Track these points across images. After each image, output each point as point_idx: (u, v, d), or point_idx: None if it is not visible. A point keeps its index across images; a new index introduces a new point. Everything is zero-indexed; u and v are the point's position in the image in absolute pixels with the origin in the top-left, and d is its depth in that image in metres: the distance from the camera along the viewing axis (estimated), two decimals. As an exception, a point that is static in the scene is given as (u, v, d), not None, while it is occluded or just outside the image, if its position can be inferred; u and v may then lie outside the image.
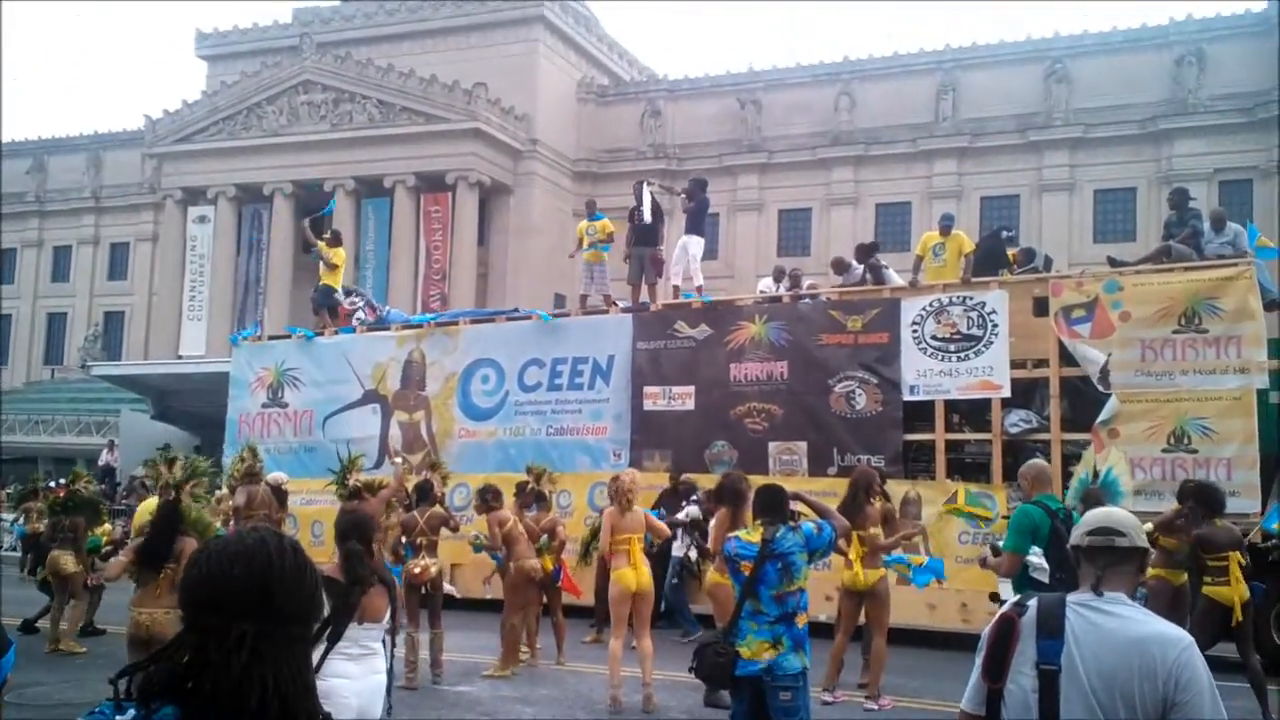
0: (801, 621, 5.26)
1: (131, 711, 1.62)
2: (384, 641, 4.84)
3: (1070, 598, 2.71)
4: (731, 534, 5.62)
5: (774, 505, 5.48)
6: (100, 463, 27.59)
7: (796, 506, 5.73)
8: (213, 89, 44.28)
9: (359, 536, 4.96)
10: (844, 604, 9.03)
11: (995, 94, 36.87)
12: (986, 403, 12.53)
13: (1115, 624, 2.60)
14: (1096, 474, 10.55)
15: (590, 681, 9.57)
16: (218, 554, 1.73)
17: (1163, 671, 2.49)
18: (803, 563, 5.27)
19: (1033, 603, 2.74)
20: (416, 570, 9.24)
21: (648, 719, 8.24)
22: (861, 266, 15.06)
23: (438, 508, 10.10)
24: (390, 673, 4.80)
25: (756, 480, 12.81)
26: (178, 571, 6.27)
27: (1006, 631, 2.71)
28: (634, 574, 8.50)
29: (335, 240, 17.79)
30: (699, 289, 15.40)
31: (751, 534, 5.37)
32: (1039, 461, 7.36)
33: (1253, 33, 34.28)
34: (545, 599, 10.91)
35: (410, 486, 10.55)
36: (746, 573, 5.22)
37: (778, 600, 5.16)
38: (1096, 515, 2.87)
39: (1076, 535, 2.85)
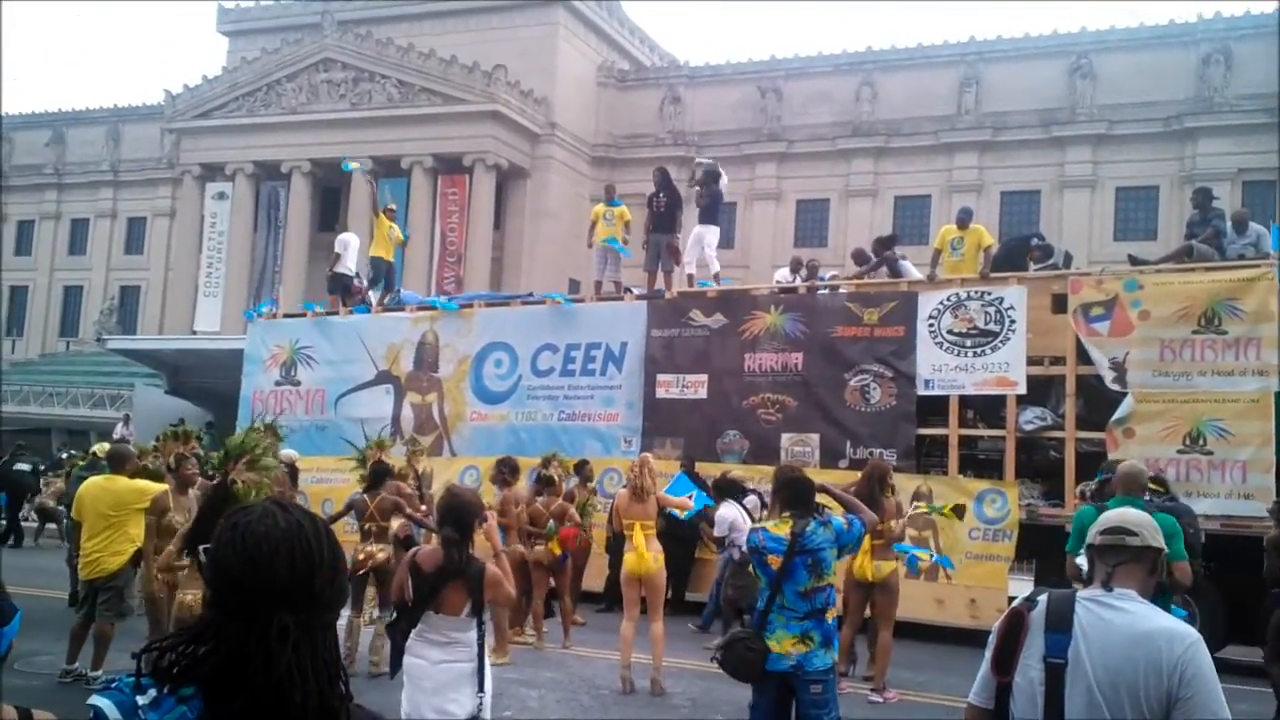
0: (831, 616, 5.17)
1: (152, 692, 1.57)
2: (481, 632, 4.76)
3: (1080, 594, 2.74)
4: (757, 525, 5.49)
5: (803, 497, 5.34)
6: (115, 436, 27.71)
7: (821, 499, 5.58)
8: (233, 65, 44.36)
9: (455, 523, 4.83)
10: (851, 596, 8.98)
11: (1018, 88, 36.57)
12: (1001, 399, 12.43)
13: (1124, 619, 2.62)
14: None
15: (595, 665, 9.57)
16: (255, 537, 1.63)
17: (1168, 666, 2.50)
18: (832, 559, 5.15)
19: (1043, 598, 2.77)
20: (361, 557, 8.95)
21: (655, 703, 8.24)
22: (877, 260, 14.95)
23: (401, 488, 9.94)
24: (481, 662, 4.72)
25: (771, 473, 12.80)
26: None
27: (1016, 625, 2.74)
28: (636, 559, 8.56)
29: (391, 215, 17.81)
30: (716, 276, 15.32)
31: (779, 526, 5.21)
32: (1131, 464, 7.20)
33: (1281, 32, 33.88)
34: (554, 583, 10.91)
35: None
36: (774, 566, 5.08)
37: (805, 596, 5.04)
38: (1111, 516, 2.91)
39: (1090, 535, 2.89)
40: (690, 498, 11.08)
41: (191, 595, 6.34)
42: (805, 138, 39.55)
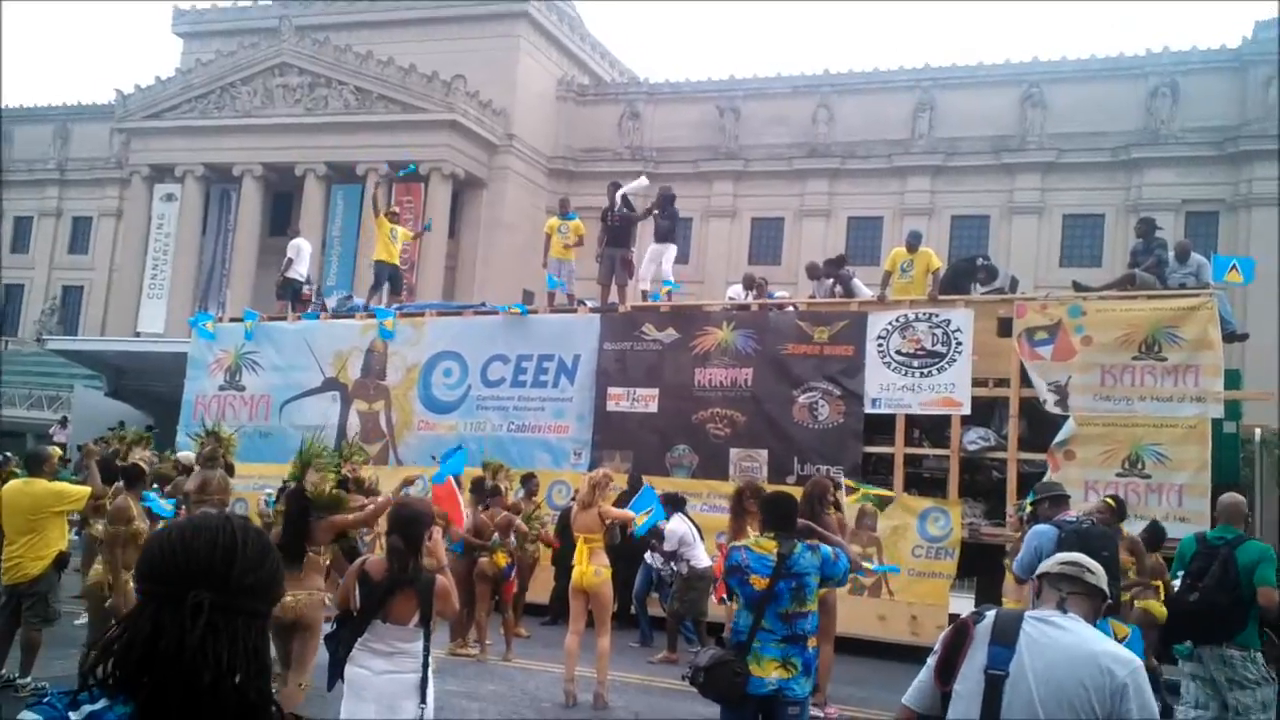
0: (812, 645, 5.08)
1: (86, 708, 1.54)
2: (427, 644, 4.71)
3: (1029, 613, 2.83)
4: (738, 543, 5.36)
5: (787, 517, 5.21)
6: (54, 439, 27.09)
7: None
8: (188, 66, 43.72)
9: (403, 533, 4.79)
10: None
11: (971, 115, 37.19)
12: (946, 419, 12.60)
13: (1071, 639, 2.70)
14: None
15: (539, 679, 9.50)
16: (180, 528, 1.69)
17: (1111, 688, 2.57)
18: (815, 585, 5.04)
19: (991, 613, 2.87)
20: None
21: (597, 717, 8.19)
22: (830, 279, 15.13)
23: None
24: (424, 673, 4.66)
25: (721, 488, 12.85)
26: (321, 555, 6.67)
27: (961, 636, 2.82)
28: (579, 572, 8.54)
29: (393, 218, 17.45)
30: (668, 294, 15.37)
31: (763, 545, 5.06)
32: (1232, 495, 7.27)
33: (1226, 68, 34.86)
34: (497, 595, 10.82)
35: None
36: (757, 586, 4.95)
37: (785, 620, 4.93)
38: (1072, 555, 3.07)
39: (1048, 564, 3.03)
40: (648, 513, 11.04)
41: (291, 597, 6.45)
42: (762, 157, 39.87)
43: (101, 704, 1.54)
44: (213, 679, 1.54)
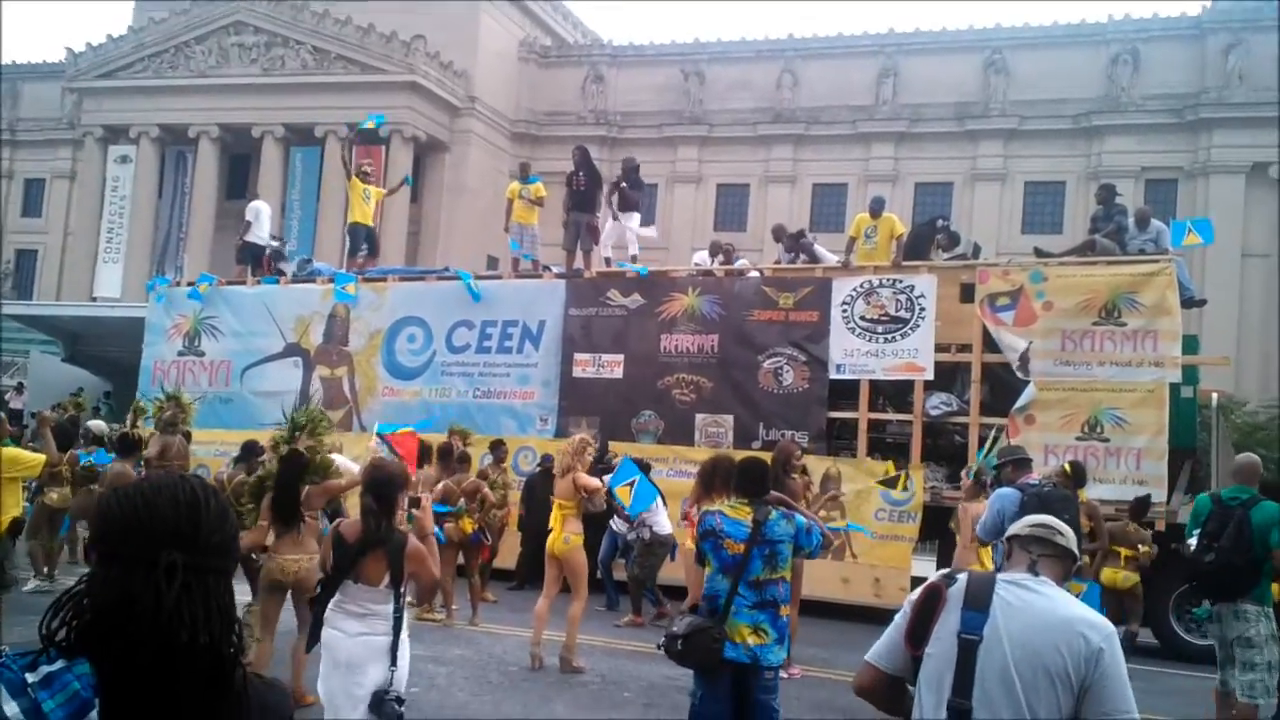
0: (784, 613, 5.04)
1: (44, 669, 1.50)
2: (399, 605, 4.72)
3: (1001, 576, 2.80)
4: (712, 508, 5.32)
5: (758, 482, 5.19)
6: (10, 404, 26.63)
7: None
8: (140, 24, 42.65)
9: (376, 494, 4.82)
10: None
11: (935, 81, 37.23)
12: (910, 384, 12.71)
13: (1045, 603, 2.69)
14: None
15: (505, 643, 9.53)
16: (138, 489, 1.62)
17: (1086, 653, 2.58)
18: (788, 553, 5.01)
19: (963, 575, 2.83)
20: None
21: (564, 679, 8.24)
22: (791, 253, 15.19)
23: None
24: (395, 636, 4.67)
25: (686, 453, 12.89)
26: (315, 518, 7.01)
27: (933, 599, 2.78)
28: (550, 537, 8.64)
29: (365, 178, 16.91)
30: (633, 259, 15.32)
31: (737, 510, 5.05)
32: (1248, 456, 7.38)
33: (1186, 36, 35.12)
34: (463, 560, 10.83)
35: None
36: (731, 551, 4.93)
37: (756, 586, 4.91)
38: (1042, 517, 3.04)
39: (1017, 526, 2.99)
40: (632, 483, 11.01)
41: (291, 560, 6.81)
42: (726, 122, 39.70)
43: (59, 664, 1.51)
44: (189, 639, 1.52)
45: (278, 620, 7.10)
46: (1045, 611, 2.66)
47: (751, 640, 4.86)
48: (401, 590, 4.74)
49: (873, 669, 2.92)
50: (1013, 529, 3.01)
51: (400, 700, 4.58)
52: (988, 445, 9.84)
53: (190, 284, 17.54)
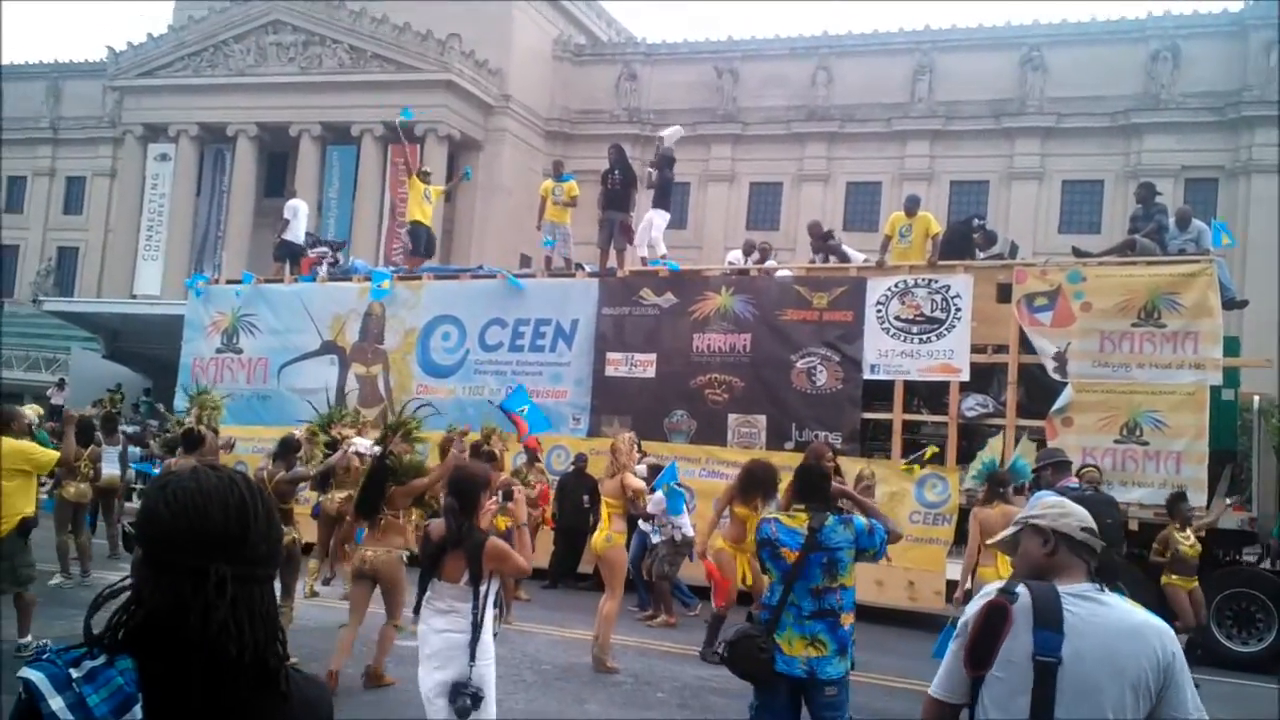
0: (847, 622, 4.83)
1: (88, 664, 1.52)
2: (477, 604, 4.81)
3: (1064, 589, 2.64)
4: (770, 515, 5.18)
5: (817, 489, 5.03)
6: (51, 400, 27.08)
7: (841, 504, 5.42)
8: (180, 23, 43.17)
9: (457, 495, 4.98)
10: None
11: (971, 78, 36.90)
12: (945, 385, 12.60)
13: (1114, 615, 2.61)
14: (1003, 459, 10.77)
15: (538, 641, 9.57)
16: (187, 491, 1.60)
17: (1162, 659, 2.54)
18: (849, 560, 4.83)
19: (1022, 590, 2.66)
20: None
21: (598, 679, 8.26)
22: (820, 254, 15.15)
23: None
24: (475, 634, 4.77)
25: (719, 453, 12.88)
26: (398, 516, 7.63)
27: (997, 618, 2.62)
28: (596, 534, 8.79)
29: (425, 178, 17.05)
30: (663, 257, 15.32)
31: (793, 519, 4.88)
32: None
33: (1227, 33, 34.57)
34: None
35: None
36: (789, 560, 4.77)
37: (815, 595, 4.74)
38: (1084, 514, 2.83)
39: (1068, 526, 2.75)
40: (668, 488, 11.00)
41: (371, 552, 7.42)
42: (760, 120, 39.56)
43: (102, 660, 1.53)
44: (236, 651, 1.54)
45: (365, 606, 7.60)
46: (1118, 623, 2.58)
47: (808, 653, 4.70)
48: (482, 589, 4.82)
49: (938, 704, 2.77)
50: (1063, 528, 2.77)
51: (477, 697, 4.67)
52: (980, 458, 9.80)
53: (230, 281, 17.77)
